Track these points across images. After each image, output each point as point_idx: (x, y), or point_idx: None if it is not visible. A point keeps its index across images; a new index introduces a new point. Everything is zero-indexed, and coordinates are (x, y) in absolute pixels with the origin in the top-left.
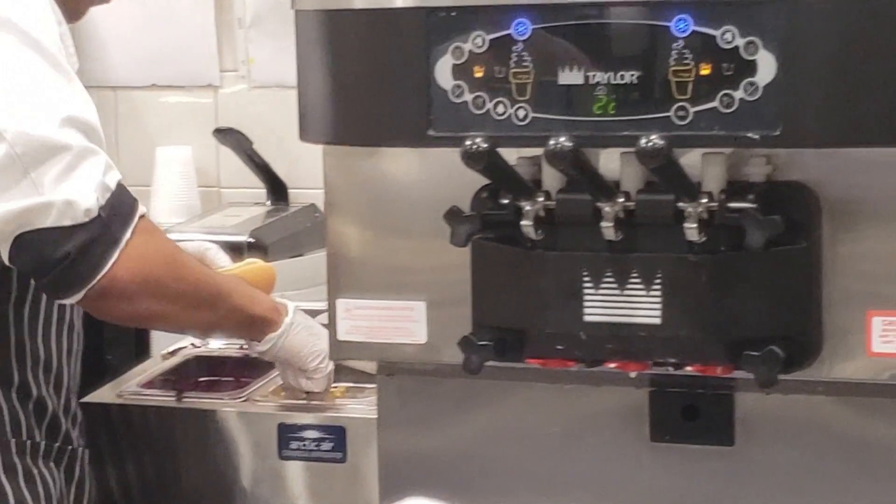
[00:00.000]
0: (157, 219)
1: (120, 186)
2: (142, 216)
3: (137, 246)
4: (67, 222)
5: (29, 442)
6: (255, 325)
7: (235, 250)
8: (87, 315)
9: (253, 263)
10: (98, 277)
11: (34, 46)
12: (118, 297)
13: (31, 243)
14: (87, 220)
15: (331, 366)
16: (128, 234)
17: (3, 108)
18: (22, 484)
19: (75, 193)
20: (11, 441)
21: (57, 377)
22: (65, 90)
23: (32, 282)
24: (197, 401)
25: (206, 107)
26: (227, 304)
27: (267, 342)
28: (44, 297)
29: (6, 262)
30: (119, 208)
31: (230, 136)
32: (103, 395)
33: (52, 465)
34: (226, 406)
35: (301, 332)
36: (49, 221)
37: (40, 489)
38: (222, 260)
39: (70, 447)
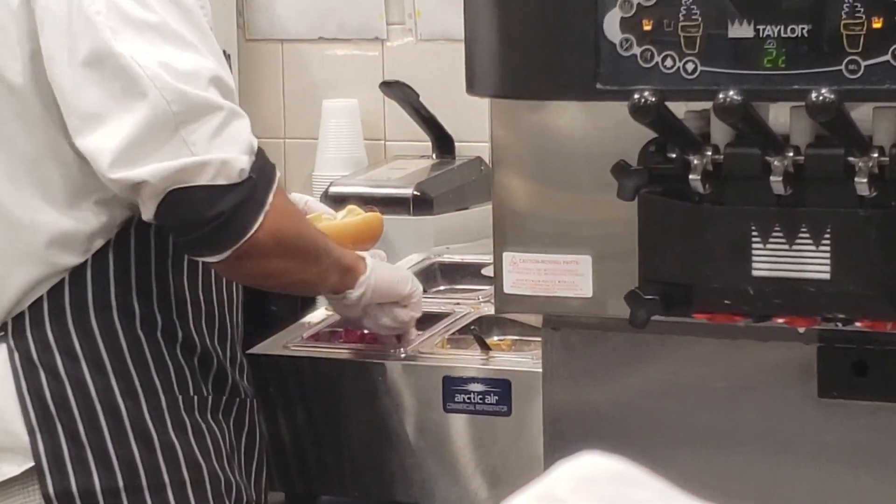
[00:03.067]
0: (324, 172)
1: (261, 149)
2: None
3: (277, 207)
4: (222, 181)
5: (196, 397)
6: (349, 273)
7: (339, 201)
8: None
9: (358, 213)
10: (245, 238)
11: (180, 6)
12: (257, 257)
13: (182, 200)
14: (240, 180)
15: (419, 289)
16: (271, 197)
17: (159, 65)
18: (191, 439)
19: (230, 153)
20: (179, 398)
21: (220, 329)
22: (206, 50)
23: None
24: (362, 353)
25: (373, 60)
26: (331, 257)
27: (360, 285)
28: None
29: (146, 217)
30: (263, 170)
31: (397, 89)
32: (269, 346)
33: (220, 418)
34: (391, 358)
35: (384, 267)
36: (204, 180)
37: (209, 443)
38: (320, 211)
39: (238, 398)
